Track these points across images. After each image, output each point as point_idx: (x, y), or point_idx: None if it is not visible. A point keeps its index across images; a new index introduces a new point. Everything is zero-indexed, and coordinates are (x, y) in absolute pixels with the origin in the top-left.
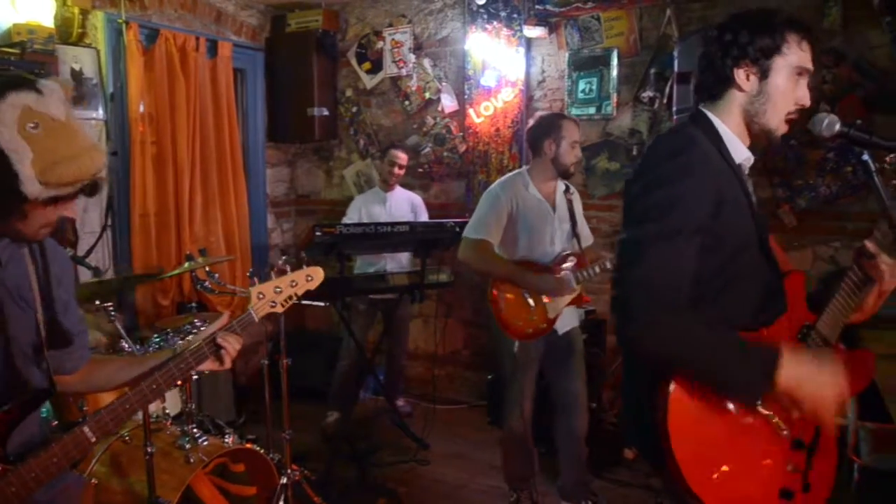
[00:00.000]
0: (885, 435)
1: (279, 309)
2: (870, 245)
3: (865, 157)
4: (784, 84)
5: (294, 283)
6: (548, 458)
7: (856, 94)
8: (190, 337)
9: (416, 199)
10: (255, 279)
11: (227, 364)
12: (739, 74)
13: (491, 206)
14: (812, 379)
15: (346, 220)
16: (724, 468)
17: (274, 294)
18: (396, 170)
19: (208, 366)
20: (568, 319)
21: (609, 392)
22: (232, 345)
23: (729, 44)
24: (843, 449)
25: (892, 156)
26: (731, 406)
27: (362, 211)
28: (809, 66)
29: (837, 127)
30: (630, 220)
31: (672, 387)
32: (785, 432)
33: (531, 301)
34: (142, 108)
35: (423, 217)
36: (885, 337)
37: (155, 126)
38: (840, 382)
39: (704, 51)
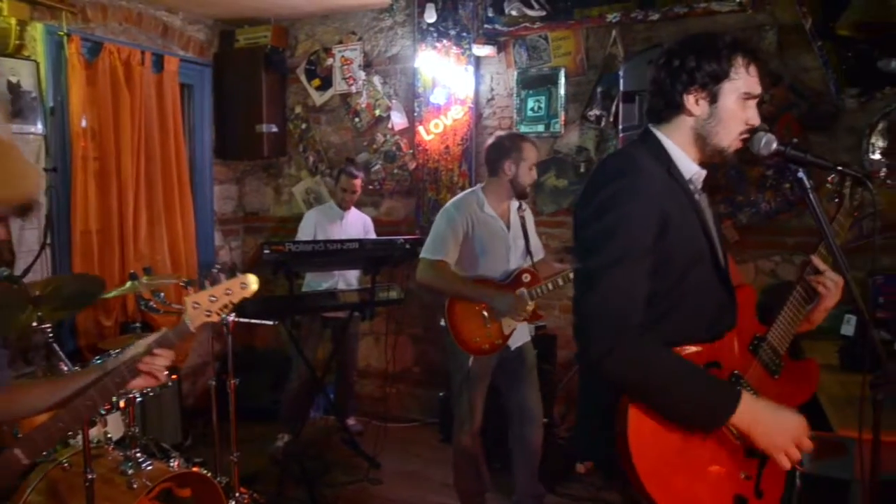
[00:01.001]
0: (825, 443)
1: (214, 318)
2: (816, 261)
3: (801, 174)
4: (733, 107)
5: (229, 292)
6: (503, 474)
7: (791, 113)
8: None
9: (368, 220)
10: (190, 289)
11: (161, 378)
12: (689, 100)
13: (447, 225)
14: (768, 421)
15: (300, 235)
16: (681, 474)
17: (209, 303)
18: (349, 195)
19: (141, 382)
20: (520, 334)
21: (560, 407)
22: (160, 362)
23: (677, 70)
24: None
25: (832, 176)
26: None
27: (318, 228)
28: (757, 90)
29: (774, 146)
30: (581, 248)
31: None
32: (739, 441)
33: (487, 317)
34: (84, 123)
35: (372, 237)
36: (819, 347)
37: (98, 141)
38: (794, 424)
39: (653, 77)
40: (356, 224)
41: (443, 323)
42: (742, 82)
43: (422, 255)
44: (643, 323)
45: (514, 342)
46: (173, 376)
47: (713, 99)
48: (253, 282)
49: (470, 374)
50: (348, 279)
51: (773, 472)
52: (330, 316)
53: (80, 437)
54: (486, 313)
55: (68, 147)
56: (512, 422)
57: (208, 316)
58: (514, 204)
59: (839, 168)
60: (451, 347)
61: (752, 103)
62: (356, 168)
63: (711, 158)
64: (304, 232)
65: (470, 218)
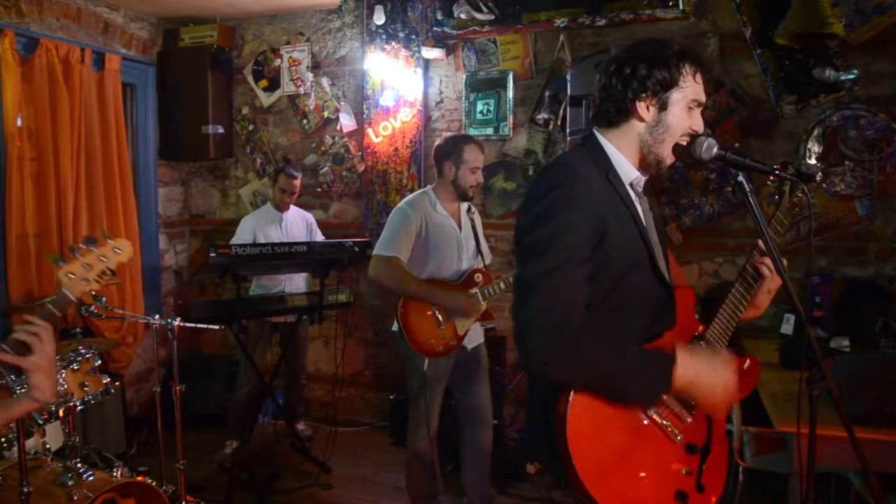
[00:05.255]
0: (766, 438)
1: (95, 286)
2: (762, 243)
3: (741, 178)
4: (680, 115)
5: (103, 258)
6: (454, 476)
7: (733, 119)
8: (74, 366)
9: (309, 217)
10: (60, 263)
11: (40, 349)
12: (640, 106)
13: (401, 223)
14: (705, 376)
15: (235, 240)
16: (622, 474)
17: (84, 272)
18: (288, 196)
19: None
20: (475, 335)
21: (510, 408)
22: (41, 329)
23: (629, 77)
24: (730, 453)
25: (772, 178)
26: (627, 415)
27: (257, 232)
28: (703, 98)
29: (715, 150)
30: (519, 257)
31: (571, 398)
32: (679, 437)
33: (441, 318)
34: (19, 122)
35: (318, 235)
36: (762, 346)
37: (35, 141)
38: (730, 376)
39: (603, 83)
40: (297, 223)
41: (395, 327)
42: (690, 90)
43: (374, 251)
44: (582, 327)
45: (470, 342)
46: (116, 383)
47: (662, 106)
48: (127, 246)
49: (426, 377)
50: (296, 283)
51: (714, 467)
52: (278, 320)
53: (15, 448)
54: (439, 314)
55: (2, 147)
56: (464, 423)
57: (87, 284)
58: (464, 206)
59: (777, 172)
60: (407, 351)
61: (698, 111)
62: (295, 168)
63: (649, 166)
64: (240, 237)
65: (424, 217)
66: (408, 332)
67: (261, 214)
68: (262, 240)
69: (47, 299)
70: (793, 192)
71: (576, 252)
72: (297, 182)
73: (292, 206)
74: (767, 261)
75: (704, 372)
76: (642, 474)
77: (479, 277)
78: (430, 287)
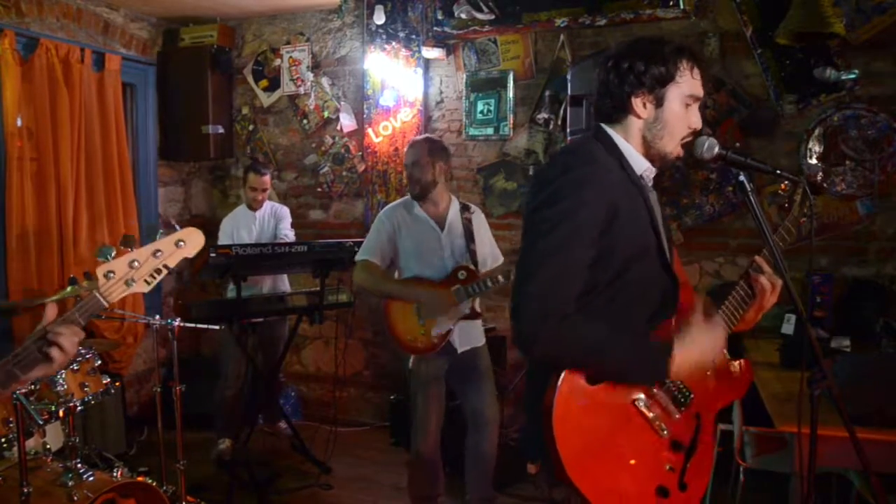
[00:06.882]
0: (766, 438)
1: (141, 287)
2: (760, 261)
3: (742, 178)
4: (677, 110)
5: (159, 253)
6: (454, 477)
7: (733, 118)
8: (74, 366)
9: (281, 209)
10: (109, 256)
11: (58, 360)
12: (637, 103)
13: (374, 230)
14: (699, 358)
15: (220, 243)
16: (605, 464)
17: (129, 269)
18: (259, 194)
19: (39, 371)
20: (467, 337)
21: (510, 408)
22: (66, 338)
23: (625, 73)
24: (730, 452)
25: (785, 183)
26: (613, 407)
27: (234, 235)
28: (700, 93)
29: (716, 150)
30: (526, 234)
31: (557, 390)
32: (665, 432)
33: (420, 315)
34: (19, 122)
35: (286, 226)
36: (763, 346)
37: (35, 141)
38: (718, 343)
39: (602, 78)
40: (267, 220)
41: None
42: (686, 86)
43: (356, 258)
44: (580, 310)
45: (462, 345)
46: (116, 383)
47: (659, 102)
48: (196, 237)
49: (413, 374)
50: (284, 283)
51: (699, 466)
52: (257, 321)
53: (15, 448)
54: (418, 312)
55: (2, 147)
56: (468, 426)
57: (130, 285)
58: (456, 206)
59: (777, 172)
60: (399, 353)
61: (695, 107)
62: (263, 165)
63: (654, 162)
64: (223, 241)
65: (397, 222)
66: (391, 331)
67: (234, 216)
68: (237, 242)
69: (78, 297)
70: (803, 202)
71: (584, 232)
72: (267, 178)
73: (266, 203)
74: (762, 279)
75: (698, 353)
76: (625, 466)
77: (462, 274)
78: (404, 284)
